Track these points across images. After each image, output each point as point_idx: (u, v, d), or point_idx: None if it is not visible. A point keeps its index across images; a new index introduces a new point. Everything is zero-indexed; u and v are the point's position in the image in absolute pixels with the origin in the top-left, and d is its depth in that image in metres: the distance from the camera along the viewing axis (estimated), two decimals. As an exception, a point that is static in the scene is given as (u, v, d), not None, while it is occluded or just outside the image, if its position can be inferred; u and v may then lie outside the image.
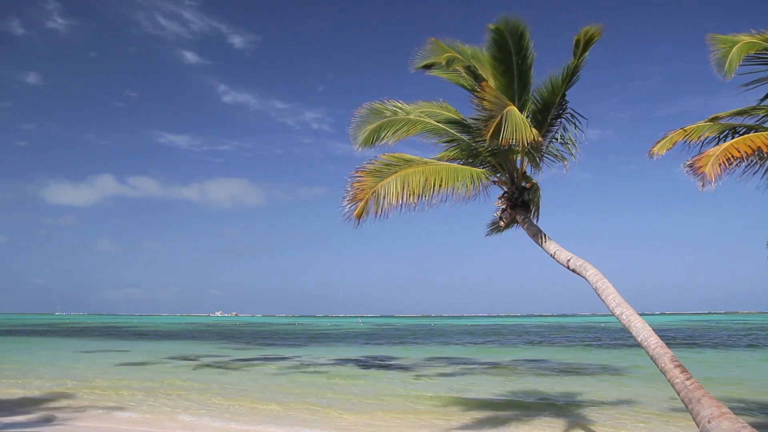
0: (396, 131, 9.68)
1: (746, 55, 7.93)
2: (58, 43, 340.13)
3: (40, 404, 14.95)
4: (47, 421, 12.75)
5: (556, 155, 9.81)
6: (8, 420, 12.65)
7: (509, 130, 7.79)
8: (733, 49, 7.81)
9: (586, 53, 8.15)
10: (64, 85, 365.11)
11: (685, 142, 8.42)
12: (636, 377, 22.07)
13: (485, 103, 8.13)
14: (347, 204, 8.39)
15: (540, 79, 8.89)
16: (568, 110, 9.11)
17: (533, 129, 8.09)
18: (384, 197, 8.36)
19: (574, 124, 9.26)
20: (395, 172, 8.60)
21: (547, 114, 8.95)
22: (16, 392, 17.42)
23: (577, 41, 7.99)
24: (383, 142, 9.68)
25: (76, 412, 13.94)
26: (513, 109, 8.01)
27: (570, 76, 8.46)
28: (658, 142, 8.51)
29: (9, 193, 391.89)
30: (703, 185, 6.65)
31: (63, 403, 15.34)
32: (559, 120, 9.25)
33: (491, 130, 7.96)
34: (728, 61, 7.74)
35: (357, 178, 8.59)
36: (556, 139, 9.60)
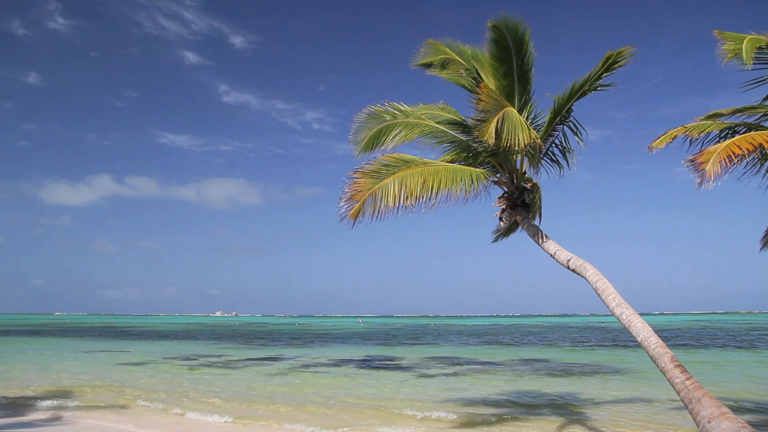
0: (395, 135, 9.69)
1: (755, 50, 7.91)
2: (59, 43, 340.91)
3: (39, 404, 14.94)
4: (46, 421, 12.73)
5: (554, 160, 9.83)
6: (8, 420, 12.64)
7: (506, 130, 7.79)
8: (745, 41, 7.80)
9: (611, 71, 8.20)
10: (65, 86, 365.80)
11: (686, 137, 8.42)
12: (636, 377, 22.04)
13: (482, 104, 8.12)
14: (343, 204, 8.39)
15: (546, 81, 8.93)
16: (571, 119, 9.14)
17: (531, 130, 8.09)
18: (381, 199, 8.35)
19: (576, 133, 9.28)
20: (393, 174, 8.59)
21: (554, 119, 8.97)
22: (15, 392, 17.40)
23: (608, 58, 8.01)
24: (383, 147, 9.69)
25: (75, 412, 13.94)
26: (510, 110, 8.00)
27: (583, 92, 8.52)
28: (658, 137, 8.51)
29: (7, 193, 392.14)
30: (701, 182, 6.64)
31: (62, 403, 15.31)
32: (560, 126, 9.27)
33: (487, 131, 7.96)
34: (744, 50, 7.72)
35: (355, 179, 8.59)
36: (556, 145, 9.63)
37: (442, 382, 20.65)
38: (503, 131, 7.81)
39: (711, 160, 6.75)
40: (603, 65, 8.08)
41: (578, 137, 9.27)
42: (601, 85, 8.43)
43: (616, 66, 8.12)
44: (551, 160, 9.84)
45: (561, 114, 8.89)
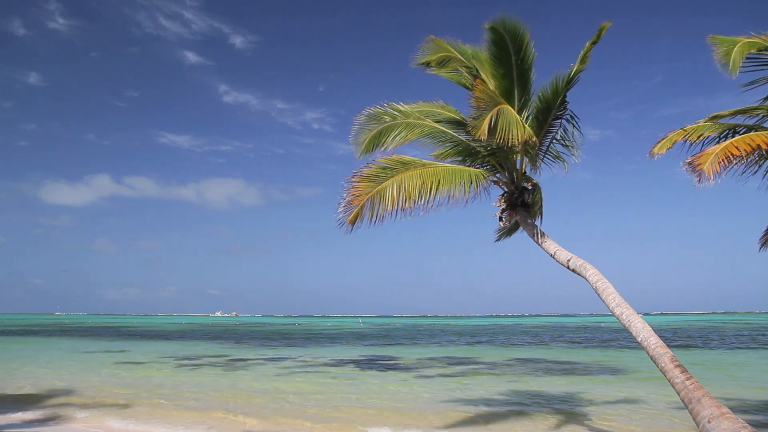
0: (396, 136, 9.69)
1: (747, 54, 7.97)
2: (59, 43, 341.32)
3: (38, 404, 14.91)
4: (45, 421, 12.71)
5: (556, 156, 9.81)
6: (6, 420, 12.61)
7: (500, 127, 7.77)
8: (735, 48, 7.85)
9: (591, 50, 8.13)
10: (65, 86, 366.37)
11: (685, 142, 8.44)
12: (636, 377, 22.05)
13: (477, 101, 8.11)
14: (342, 209, 8.40)
15: (546, 80, 8.88)
16: (568, 111, 9.11)
17: (527, 128, 8.07)
18: (380, 202, 8.36)
19: (573, 125, 9.26)
20: (392, 177, 8.59)
21: (548, 115, 8.94)
22: (14, 392, 17.39)
23: (593, 43, 7.96)
24: (383, 148, 9.70)
25: (73, 412, 13.88)
26: (505, 107, 7.98)
27: (571, 78, 8.45)
28: (659, 142, 8.53)
29: (7, 193, 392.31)
30: (699, 181, 6.67)
31: (61, 402, 15.28)
32: (559, 121, 9.25)
33: (480, 128, 7.95)
34: (732, 58, 7.78)
35: (353, 183, 8.59)
36: (557, 140, 9.59)
37: (434, 385, 20.17)
38: (497, 128, 7.79)
39: (709, 161, 6.80)
40: (590, 46, 8.04)
41: (574, 128, 9.22)
42: (582, 69, 8.37)
43: (598, 40, 8.06)
44: (554, 156, 9.80)
45: (556, 108, 8.85)
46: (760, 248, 10.91)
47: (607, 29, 7.87)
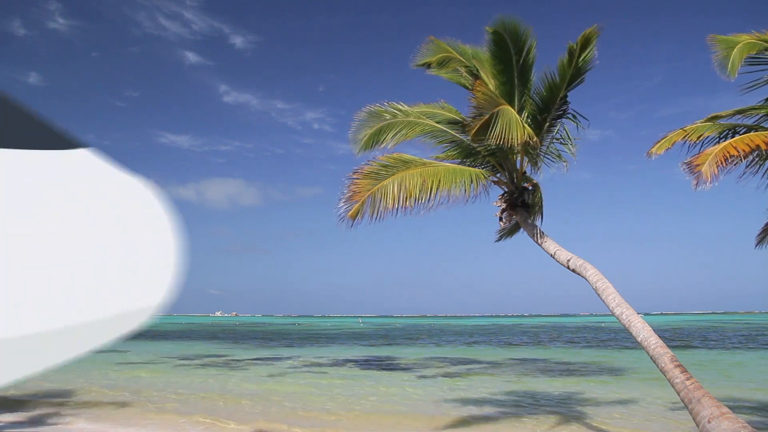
0: (395, 134, 9.68)
1: (747, 55, 7.98)
2: (59, 43, 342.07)
3: (35, 404, 14.84)
4: (43, 421, 12.68)
5: (558, 156, 9.79)
6: (3, 421, 12.58)
7: (500, 128, 7.76)
8: (735, 50, 7.87)
9: (586, 54, 8.10)
10: (66, 86, 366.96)
11: (685, 142, 8.43)
12: (636, 377, 22.04)
13: (477, 101, 8.12)
14: (343, 205, 8.41)
15: (538, 79, 8.89)
16: (570, 111, 9.09)
17: (526, 128, 8.07)
18: (380, 200, 8.37)
19: (576, 123, 9.24)
20: (392, 175, 8.60)
21: (547, 114, 8.93)
22: (11, 392, 17.33)
23: (571, 49, 7.94)
24: (383, 145, 9.68)
25: (72, 412, 13.84)
26: (505, 108, 7.97)
27: (570, 79, 8.43)
28: (658, 142, 8.53)
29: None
30: (697, 184, 6.66)
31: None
32: (559, 120, 9.24)
33: (477, 128, 7.94)
34: (731, 61, 7.80)
35: (354, 180, 8.60)
36: (557, 140, 9.58)
37: (429, 385, 19.87)
38: (497, 129, 7.79)
39: (707, 162, 6.78)
40: (572, 55, 7.99)
41: (578, 125, 9.19)
42: (584, 69, 8.30)
43: (589, 46, 7.99)
44: (556, 156, 9.77)
45: (556, 107, 8.83)
46: (756, 245, 10.93)
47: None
